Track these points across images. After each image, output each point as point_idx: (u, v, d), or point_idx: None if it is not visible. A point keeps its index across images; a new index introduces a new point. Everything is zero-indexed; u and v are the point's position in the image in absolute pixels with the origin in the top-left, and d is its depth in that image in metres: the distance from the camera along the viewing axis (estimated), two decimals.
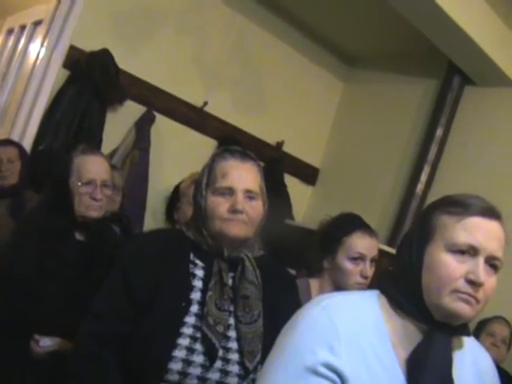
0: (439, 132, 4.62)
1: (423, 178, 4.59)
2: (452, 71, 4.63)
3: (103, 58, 4.00)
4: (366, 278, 2.59)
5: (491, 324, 3.74)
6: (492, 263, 1.41)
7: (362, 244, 2.61)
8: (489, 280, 1.40)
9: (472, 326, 3.67)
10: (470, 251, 1.39)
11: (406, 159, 4.86)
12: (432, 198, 4.35)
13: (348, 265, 2.59)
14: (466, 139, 4.61)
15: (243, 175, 1.96)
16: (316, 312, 1.39)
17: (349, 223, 2.69)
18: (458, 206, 1.44)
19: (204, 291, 1.87)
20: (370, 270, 2.60)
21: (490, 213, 1.43)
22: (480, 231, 1.40)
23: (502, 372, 3.52)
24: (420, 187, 4.57)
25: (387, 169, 4.97)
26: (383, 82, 5.30)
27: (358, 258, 2.59)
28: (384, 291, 1.49)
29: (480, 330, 3.73)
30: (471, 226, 1.41)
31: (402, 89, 5.12)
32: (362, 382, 1.33)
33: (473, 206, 1.43)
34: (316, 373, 1.31)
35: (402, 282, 1.46)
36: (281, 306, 1.90)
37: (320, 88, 5.47)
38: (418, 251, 1.45)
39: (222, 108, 4.74)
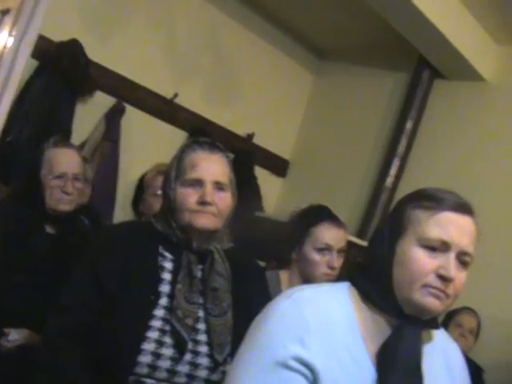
0: (409, 125, 4.64)
1: (393, 171, 4.61)
2: (422, 65, 4.65)
3: (73, 48, 3.95)
4: (333, 268, 2.58)
5: (459, 315, 3.78)
6: (463, 259, 1.41)
7: (328, 235, 2.60)
8: (459, 275, 1.40)
9: (440, 318, 3.70)
10: (442, 246, 1.40)
11: (376, 152, 4.88)
12: (401, 190, 4.38)
13: (315, 256, 2.58)
14: (435, 133, 4.64)
15: (212, 167, 1.95)
16: (286, 305, 1.39)
17: (316, 214, 2.69)
18: (431, 200, 1.44)
19: (173, 284, 1.86)
20: (337, 261, 2.60)
21: (463, 208, 1.44)
22: (452, 227, 1.41)
23: (469, 362, 3.56)
24: (390, 180, 4.59)
25: (357, 161, 4.99)
26: (353, 74, 5.31)
27: (325, 249, 2.58)
28: (355, 284, 1.49)
29: (448, 321, 3.76)
30: (444, 221, 1.41)
31: (372, 82, 5.14)
32: (332, 374, 1.33)
33: (446, 201, 1.43)
34: (287, 366, 1.31)
35: (372, 276, 1.46)
36: (250, 299, 1.89)
37: (290, 80, 5.46)
38: (390, 245, 1.45)
39: (192, 100, 4.72)
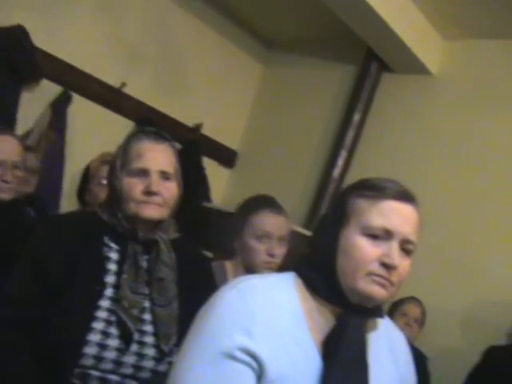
0: (356, 117, 4.68)
1: (340, 162, 4.64)
2: (370, 57, 4.68)
3: (18, 34, 3.86)
4: (272, 256, 2.57)
5: (404, 304, 3.84)
6: (406, 247, 1.43)
7: (267, 222, 2.60)
8: (402, 263, 1.42)
9: (386, 307, 3.76)
10: (385, 235, 1.41)
11: (324, 143, 4.91)
12: (348, 182, 4.36)
13: (254, 243, 2.58)
14: (383, 125, 4.69)
15: (158, 156, 1.94)
16: (232, 295, 1.39)
17: (256, 203, 2.69)
18: (374, 189, 1.45)
19: (119, 274, 1.85)
20: (277, 249, 2.59)
21: (405, 197, 1.45)
22: (395, 215, 1.42)
23: (414, 350, 3.61)
24: (337, 171, 4.62)
25: (305, 152, 5.01)
26: (302, 66, 5.32)
27: (264, 237, 2.57)
28: (300, 274, 1.50)
29: (394, 311, 3.82)
30: (386, 209, 1.42)
31: (321, 74, 5.16)
32: (279, 365, 1.33)
33: (388, 190, 1.44)
34: (232, 357, 1.31)
35: (317, 265, 1.47)
36: (196, 289, 1.89)
37: (239, 70, 5.45)
38: (334, 234, 1.46)
39: (140, 89, 4.67)
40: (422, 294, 3.89)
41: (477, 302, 3.99)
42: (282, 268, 2.59)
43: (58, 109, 4.16)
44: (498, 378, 3.49)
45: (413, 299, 3.87)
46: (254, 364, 1.32)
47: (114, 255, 1.89)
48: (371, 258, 1.40)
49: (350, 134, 4.66)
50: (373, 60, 4.67)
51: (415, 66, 4.54)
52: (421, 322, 3.89)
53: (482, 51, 4.42)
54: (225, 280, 2.44)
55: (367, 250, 1.41)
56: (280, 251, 2.62)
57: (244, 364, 1.32)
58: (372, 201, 1.43)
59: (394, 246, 1.41)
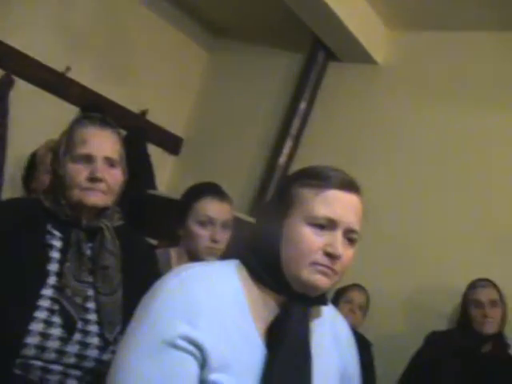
0: (302, 106, 4.69)
1: (286, 150, 4.65)
2: (317, 46, 4.70)
3: None
4: (215, 241, 2.60)
5: (349, 292, 3.88)
6: (350, 236, 1.44)
7: (210, 207, 2.62)
8: (346, 252, 1.42)
9: (330, 294, 3.80)
10: (329, 224, 1.41)
11: (270, 131, 4.91)
12: (294, 169, 4.42)
13: (197, 229, 2.61)
14: (329, 114, 4.72)
15: (102, 142, 1.92)
16: (174, 284, 1.38)
17: (199, 189, 2.72)
18: (318, 178, 1.44)
19: (62, 262, 1.82)
20: (220, 235, 2.62)
21: (349, 186, 1.45)
22: (339, 204, 1.42)
23: (358, 336, 3.66)
24: (283, 159, 4.63)
25: (251, 140, 5.01)
26: (249, 53, 5.31)
27: (207, 222, 2.61)
28: (244, 262, 1.49)
29: (338, 298, 3.86)
30: (330, 199, 1.42)
31: (267, 62, 5.16)
32: (222, 353, 1.33)
33: (332, 179, 1.44)
34: (174, 346, 1.30)
35: (260, 254, 1.47)
36: (140, 277, 1.86)
37: (185, 57, 5.42)
38: (277, 223, 1.45)
39: (85, 74, 4.59)
40: (365, 280, 3.94)
41: (419, 289, 4.06)
42: (225, 255, 2.60)
43: (0, 93, 4.06)
44: (439, 360, 3.57)
45: (357, 286, 3.92)
46: (197, 352, 1.31)
47: (57, 243, 1.86)
48: (315, 247, 1.40)
49: (296, 122, 4.68)
50: (319, 49, 4.69)
51: (361, 56, 4.58)
52: (365, 308, 3.94)
53: (426, 42, 4.48)
54: (169, 267, 2.44)
55: (311, 239, 1.41)
56: (223, 237, 2.65)
57: (186, 352, 1.30)
58: (316, 190, 1.43)
59: (337, 236, 1.41)
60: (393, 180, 4.31)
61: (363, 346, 3.69)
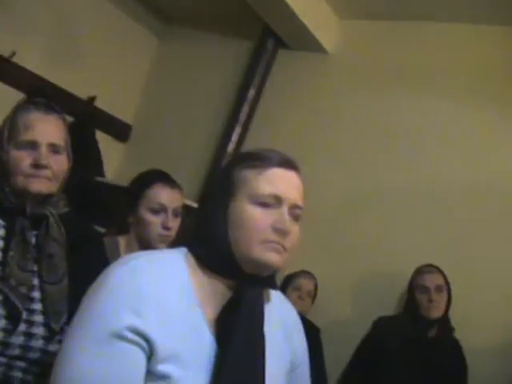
0: (251, 93, 4.68)
1: (234, 137, 4.64)
2: (267, 34, 4.69)
3: None
4: (167, 229, 2.61)
5: (297, 278, 3.90)
6: (294, 212, 1.46)
7: (162, 195, 2.63)
8: (293, 228, 1.45)
9: (278, 282, 3.81)
10: (274, 201, 1.44)
11: (219, 119, 4.89)
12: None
13: (149, 216, 2.61)
14: (278, 101, 4.72)
15: (47, 128, 1.88)
16: (120, 273, 1.36)
17: (150, 176, 2.72)
18: (258, 159, 1.47)
19: (5, 251, 1.77)
20: (172, 222, 2.63)
21: (289, 164, 1.49)
22: (281, 181, 1.46)
23: (307, 323, 3.70)
24: (231, 147, 4.62)
25: (200, 127, 4.99)
26: (199, 40, 5.28)
27: (159, 210, 2.61)
28: (191, 249, 1.49)
29: (286, 285, 3.88)
30: (272, 176, 1.45)
31: (217, 49, 5.13)
32: (169, 343, 1.32)
33: (272, 158, 1.47)
34: (121, 337, 1.28)
35: (208, 239, 1.47)
36: (86, 265, 1.83)
37: (135, 43, 5.35)
38: (222, 207, 1.46)
39: (31, 59, 4.50)
40: (313, 267, 3.97)
41: (367, 274, 4.11)
42: (174, 243, 2.60)
43: None
44: (387, 345, 3.63)
45: (305, 273, 3.94)
46: (144, 343, 1.30)
47: (0, 231, 1.82)
48: (264, 225, 1.42)
49: (245, 109, 4.67)
50: (269, 36, 4.69)
51: (311, 44, 4.59)
52: (313, 295, 3.96)
53: (376, 31, 4.52)
54: (118, 256, 2.42)
55: (259, 218, 1.42)
56: (175, 224, 2.66)
57: (133, 344, 1.29)
58: (258, 170, 1.46)
59: (284, 212, 1.44)
60: (343, 167, 4.34)
61: (312, 333, 3.72)
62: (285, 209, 1.44)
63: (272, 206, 1.44)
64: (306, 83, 4.66)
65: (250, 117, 4.69)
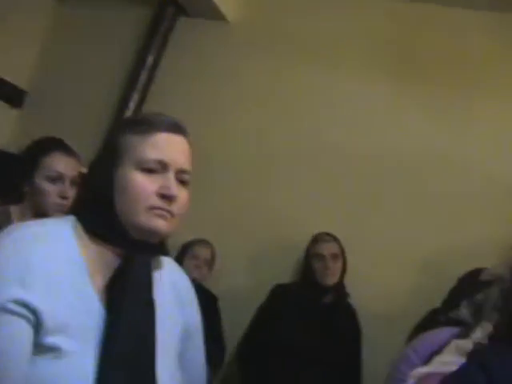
0: (150, 60, 4.62)
1: (132, 105, 4.57)
2: (166, 1, 4.63)
3: None
4: (65, 198, 2.55)
5: (194, 246, 3.91)
6: (182, 177, 1.46)
7: (59, 163, 2.58)
8: (181, 194, 1.44)
9: (175, 251, 3.81)
10: (160, 167, 1.43)
11: (116, 86, 4.80)
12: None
13: (46, 185, 2.55)
14: (177, 69, 4.67)
15: None
16: (6, 244, 1.33)
17: (46, 144, 2.65)
18: (144, 124, 1.46)
19: None
20: (69, 191, 2.57)
21: (176, 128, 1.48)
22: (167, 146, 1.44)
23: (204, 291, 3.73)
24: (128, 114, 4.55)
25: (97, 94, 4.87)
26: (97, 6, 5.13)
27: (57, 178, 2.56)
28: (79, 217, 1.46)
29: (183, 253, 3.88)
30: (158, 141, 1.44)
31: (117, 14, 5.01)
32: (58, 315, 1.30)
33: (158, 123, 1.46)
34: (5, 310, 1.25)
35: (95, 207, 1.45)
36: None
37: (30, 7, 5.16)
38: (109, 173, 1.44)
39: None
40: (211, 235, 3.99)
41: (265, 242, 4.16)
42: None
43: None
44: (284, 312, 3.70)
45: (202, 241, 3.96)
46: (30, 315, 1.27)
47: None
48: (150, 192, 1.41)
49: (143, 76, 4.61)
50: (169, 3, 4.62)
51: (211, 12, 4.56)
52: (211, 263, 3.98)
53: (277, 1, 4.53)
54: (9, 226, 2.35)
55: (145, 184, 1.41)
56: (72, 193, 2.59)
57: (18, 316, 1.26)
58: (144, 135, 1.44)
59: (170, 177, 1.43)
60: (240, 134, 4.36)
61: (209, 301, 3.75)
62: (171, 174, 1.43)
63: (158, 171, 1.42)
64: (206, 51, 4.63)
65: (148, 84, 4.63)
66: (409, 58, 4.20)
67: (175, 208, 1.43)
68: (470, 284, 2.40)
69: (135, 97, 4.58)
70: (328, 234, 3.82)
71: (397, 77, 4.15)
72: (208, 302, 3.55)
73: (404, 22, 4.23)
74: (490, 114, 4.03)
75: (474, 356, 1.49)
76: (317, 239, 3.81)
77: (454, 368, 1.42)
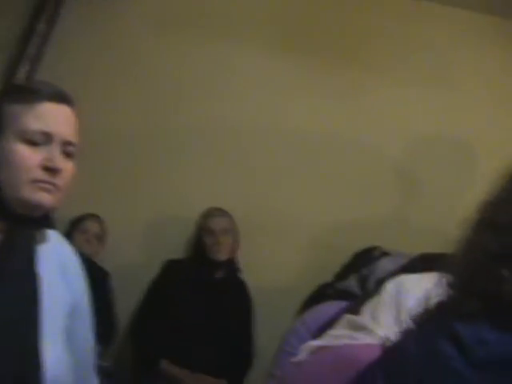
0: (41, 28, 4.46)
1: (22, 74, 4.41)
2: None
3: None
4: None
5: (83, 221, 3.84)
6: (67, 149, 1.41)
7: None
8: (66, 166, 1.41)
9: (65, 226, 3.73)
10: (44, 138, 1.38)
11: (5, 54, 4.63)
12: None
13: None
14: (68, 37, 4.52)
15: None
16: None
17: None
18: (27, 92, 1.41)
19: None
20: None
21: (61, 98, 1.43)
22: (51, 117, 1.39)
23: (95, 266, 3.67)
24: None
25: None
26: None
27: None
28: None
29: (73, 228, 3.80)
30: (42, 112, 1.39)
31: None
32: None
33: (42, 92, 1.41)
34: None
35: None
36: None
37: None
38: None
39: None
40: (102, 210, 3.92)
41: (156, 217, 4.16)
42: None
43: None
44: (175, 287, 3.71)
45: (92, 216, 3.89)
46: None
47: None
48: (33, 164, 1.36)
49: (34, 44, 4.45)
50: None
51: None
52: (101, 237, 3.92)
53: None
54: None
55: (27, 156, 1.37)
56: None
57: None
58: (26, 104, 1.38)
59: (54, 150, 1.39)
60: (134, 106, 4.27)
61: (100, 276, 3.70)
62: (55, 146, 1.39)
63: (41, 143, 1.38)
64: (101, 22, 4.51)
65: (38, 53, 4.48)
66: (304, 33, 4.24)
67: (59, 181, 1.39)
68: (363, 259, 2.47)
69: (26, 65, 4.42)
70: (219, 209, 3.83)
71: (300, 53, 4.18)
72: (99, 277, 3.51)
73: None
74: (377, 89, 4.15)
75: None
76: (207, 214, 3.82)
77: (345, 341, 1.45)
